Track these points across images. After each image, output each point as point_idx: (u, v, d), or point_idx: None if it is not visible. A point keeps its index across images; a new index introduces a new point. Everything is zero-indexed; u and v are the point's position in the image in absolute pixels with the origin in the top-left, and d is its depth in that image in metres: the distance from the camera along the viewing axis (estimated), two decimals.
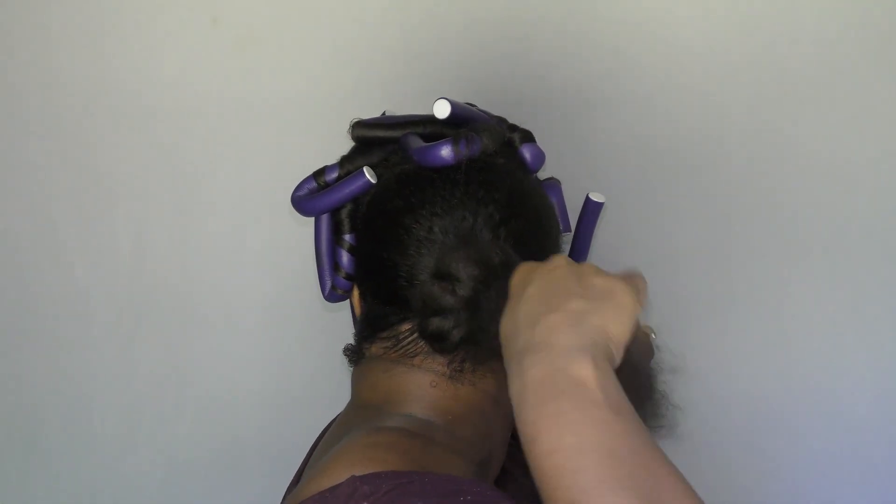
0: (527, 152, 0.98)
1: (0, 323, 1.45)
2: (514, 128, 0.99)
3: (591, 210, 1.02)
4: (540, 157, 0.98)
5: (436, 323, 0.87)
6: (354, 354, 0.95)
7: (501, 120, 1.00)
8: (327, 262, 0.98)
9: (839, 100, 1.33)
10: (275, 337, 1.46)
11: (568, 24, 1.37)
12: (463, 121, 0.95)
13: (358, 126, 0.97)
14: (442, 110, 0.93)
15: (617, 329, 0.72)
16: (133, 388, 1.46)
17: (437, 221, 0.88)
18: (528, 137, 0.99)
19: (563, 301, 0.72)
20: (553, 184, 1.02)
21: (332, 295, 0.99)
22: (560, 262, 0.78)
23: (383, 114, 1.02)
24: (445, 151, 0.89)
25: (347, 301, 1.02)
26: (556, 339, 0.69)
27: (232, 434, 1.47)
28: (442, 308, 0.86)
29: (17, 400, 1.46)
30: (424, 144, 0.91)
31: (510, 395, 0.70)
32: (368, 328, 0.94)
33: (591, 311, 0.72)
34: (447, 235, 0.88)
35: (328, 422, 1.02)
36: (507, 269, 0.84)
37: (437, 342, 0.88)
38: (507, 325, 0.76)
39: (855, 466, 1.38)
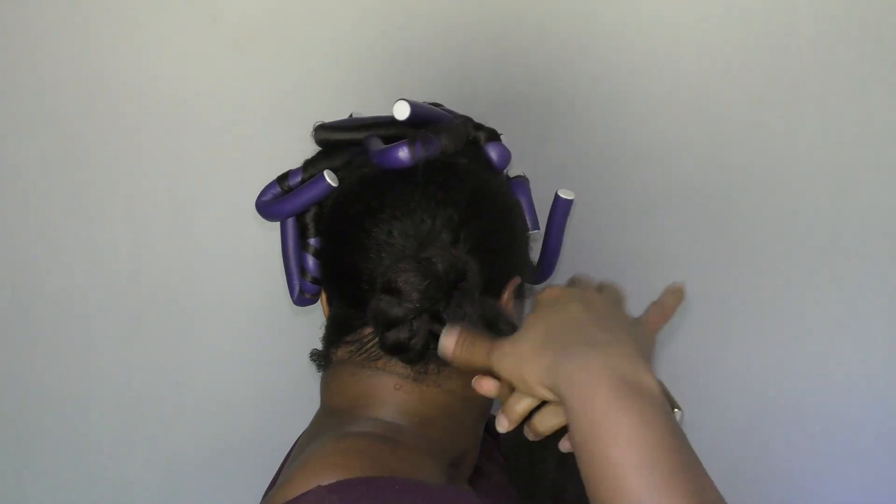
0: (492, 151, 0.97)
1: None
2: (479, 126, 0.98)
3: (560, 207, 1.01)
4: (505, 156, 0.97)
5: (392, 336, 0.86)
6: (322, 359, 0.95)
7: (467, 119, 0.99)
8: (294, 267, 0.98)
9: (837, 100, 1.33)
10: (273, 337, 1.46)
11: (566, 26, 1.36)
12: (425, 121, 0.94)
13: (320, 129, 0.97)
14: (401, 111, 0.92)
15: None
16: (131, 389, 1.46)
17: (396, 225, 0.88)
18: (493, 136, 0.98)
19: (613, 322, 0.78)
20: (521, 181, 1.01)
21: (301, 299, 0.99)
22: (593, 294, 0.83)
23: (350, 116, 1.00)
24: (402, 153, 0.89)
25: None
26: (621, 346, 0.74)
27: (230, 434, 1.47)
28: (393, 320, 0.85)
29: (15, 400, 1.47)
30: (381, 147, 0.91)
31: (556, 380, 0.73)
32: (334, 332, 0.94)
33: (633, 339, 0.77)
34: (407, 239, 0.87)
35: None
36: (454, 273, 0.86)
37: (400, 353, 0.87)
38: (542, 324, 0.78)
39: (854, 466, 1.38)
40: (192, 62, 1.41)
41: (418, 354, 0.87)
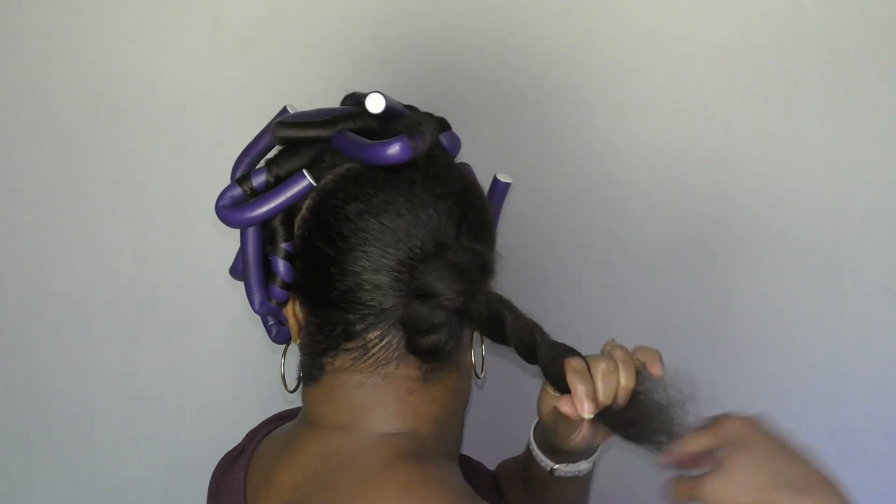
0: (444, 140, 0.94)
1: (1, 323, 1.48)
2: (429, 116, 0.95)
3: (499, 190, 0.99)
4: (458, 144, 0.96)
5: (430, 340, 0.85)
6: (315, 371, 0.90)
7: (414, 109, 0.96)
8: (258, 273, 0.94)
9: (839, 100, 1.31)
10: None
11: (568, 25, 1.36)
12: (391, 113, 0.91)
13: (282, 126, 0.91)
14: (377, 105, 0.90)
15: None
16: (133, 388, 1.48)
17: (401, 222, 0.85)
18: (445, 125, 0.95)
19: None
20: (469, 168, 0.98)
21: (266, 306, 0.94)
22: (766, 441, 0.85)
23: (283, 109, 0.95)
24: (399, 149, 0.86)
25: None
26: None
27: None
28: (434, 326, 0.85)
29: (17, 400, 1.49)
30: (370, 142, 0.87)
31: None
32: (329, 340, 0.89)
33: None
34: (414, 237, 0.85)
35: None
36: (483, 270, 0.86)
37: (433, 356, 0.86)
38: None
39: (855, 466, 1.35)
40: (193, 64, 1.42)
41: (447, 354, 0.87)
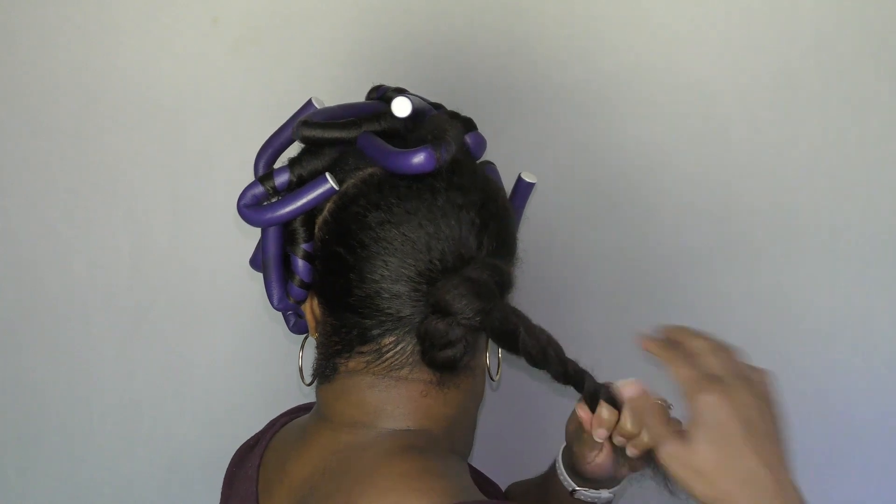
0: (470, 140, 0.93)
1: (0, 322, 1.46)
2: (455, 115, 0.95)
3: (522, 190, 0.99)
4: (483, 145, 0.95)
5: (445, 354, 0.86)
6: (328, 370, 0.91)
7: (440, 107, 0.96)
8: (278, 271, 0.93)
9: (838, 100, 1.31)
10: (274, 337, 1.46)
11: (569, 24, 1.36)
12: (416, 114, 0.91)
13: (305, 126, 0.91)
14: (402, 109, 0.89)
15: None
16: (133, 388, 1.47)
17: (422, 234, 0.85)
18: (470, 125, 0.95)
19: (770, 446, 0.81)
20: (493, 168, 0.98)
21: (285, 303, 0.95)
22: (717, 404, 0.80)
23: (308, 102, 0.95)
24: (423, 160, 0.85)
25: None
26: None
27: (232, 434, 1.45)
28: (451, 342, 0.85)
29: (16, 400, 1.48)
30: (394, 150, 0.86)
31: None
32: (342, 342, 0.89)
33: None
34: (435, 247, 0.85)
35: None
36: (502, 288, 0.86)
37: (449, 369, 0.87)
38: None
39: (854, 466, 1.38)
40: (193, 63, 1.42)
41: (463, 366, 0.88)
